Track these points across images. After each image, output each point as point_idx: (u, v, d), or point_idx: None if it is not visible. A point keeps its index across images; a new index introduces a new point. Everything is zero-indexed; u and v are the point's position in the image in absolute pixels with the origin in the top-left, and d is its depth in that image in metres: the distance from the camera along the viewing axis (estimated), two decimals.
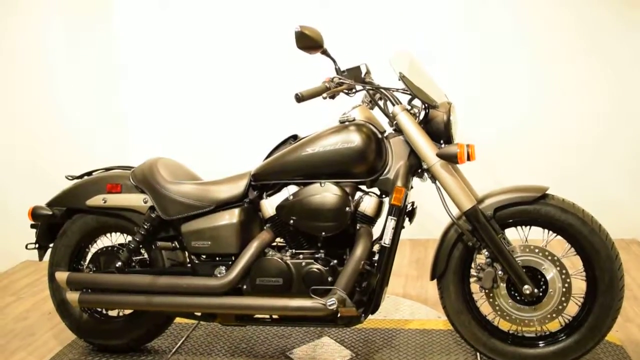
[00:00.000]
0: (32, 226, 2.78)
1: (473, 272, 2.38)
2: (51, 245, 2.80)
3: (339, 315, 2.32)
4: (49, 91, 4.20)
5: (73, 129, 4.29)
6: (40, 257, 2.82)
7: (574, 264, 2.40)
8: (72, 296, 2.64)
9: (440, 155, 2.24)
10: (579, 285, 2.34)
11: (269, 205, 2.43)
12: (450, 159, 2.21)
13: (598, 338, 2.29)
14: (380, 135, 2.35)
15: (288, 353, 2.70)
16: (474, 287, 2.41)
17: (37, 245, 2.78)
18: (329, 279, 2.30)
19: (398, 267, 3.70)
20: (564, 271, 2.27)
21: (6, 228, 4.08)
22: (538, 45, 3.96)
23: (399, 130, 2.34)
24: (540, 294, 2.28)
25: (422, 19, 4.07)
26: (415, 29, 4.07)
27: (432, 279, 2.43)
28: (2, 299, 3.64)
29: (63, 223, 2.76)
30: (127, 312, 2.79)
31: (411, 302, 3.20)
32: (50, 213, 2.71)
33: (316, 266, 2.33)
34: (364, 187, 2.40)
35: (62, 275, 2.66)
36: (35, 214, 2.70)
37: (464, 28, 4.04)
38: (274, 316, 2.47)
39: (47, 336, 3.09)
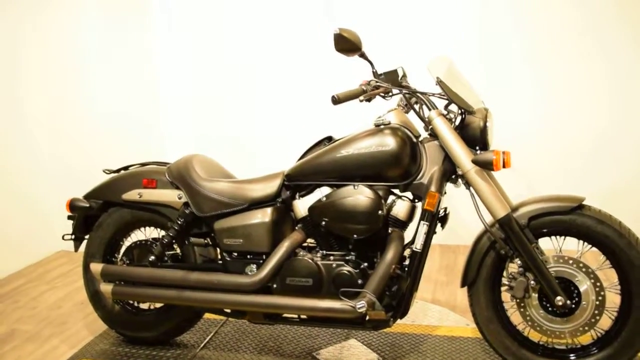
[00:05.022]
0: (70, 217, 2.85)
1: (505, 280, 2.35)
2: (87, 236, 2.86)
3: (367, 318, 2.32)
4: (89, 88, 4.29)
5: (111, 124, 4.38)
6: (76, 248, 2.89)
7: (609, 277, 2.36)
8: (106, 288, 2.69)
9: (475, 162, 2.22)
10: (613, 299, 2.31)
11: (302, 206, 2.44)
12: (486, 166, 2.19)
13: (631, 354, 2.25)
14: (415, 140, 2.35)
15: (315, 353, 2.71)
16: (505, 296, 2.38)
17: (73, 236, 2.85)
18: (359, 281, 2.31)
19: (427, 272, 3.68)
20: (598, 284, 2.23)
21: (44, 218, 4.18)
22: (564, 48, 3.90)
23: (434, 135, 2.33)
24: (573, 305, 2.25)
25: (447, 25, 4.05)
26: (443, 35, 4.05)
27: (462, 285, 2.41)
28: (37, 287, 3.73)
29: (99, 215, 2.82)
30: (158, 305, 2.84)
31: (440, 308, 3.18)
32: (87, 205, 2.77)
33: (346, 268, 2.33)
34: (397, 191, 2.40)
35: (96, 267, 2.72)
36: (72, 205, 2.77)
37: (497, 36, 4.00)
38: (302, 316, 2.48)
39: (79, 325, 3.16)
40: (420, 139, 2.40)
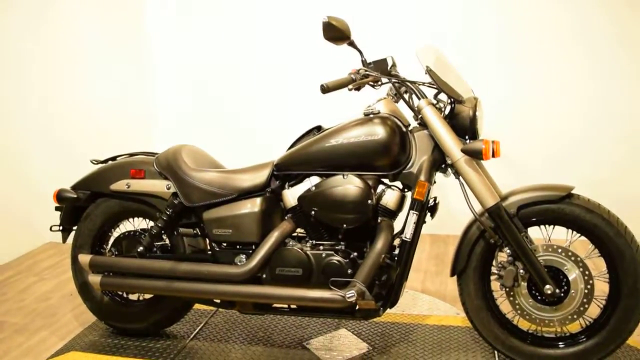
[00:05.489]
0: (57, 208, 2.82)
1: (494, 269, 2.36)
2: (75, 228, 2.84)
3: (357, 307, 2.32)
4: (78, 78, 4.25)
5: (99, 114, 4.34)
6: (64, 239, 2.87)
7: (597, 265, 2.37)
8: (94, 279, 2.67)
9: (465, 151, 2.21)
10: (602, 287, 2.32)
11: (291, 196, 2.43)
12: (475, 155, 2.19)
13: (619, 341, 2.26)
14: (404, 129, 2.34)
15: (305, 343, 2.71)
16: (495, 285, 2.39)
17: (61, 228, 2.82)
18: (349, 271, 2.30)
19: (417, 262, 3.69)
20: (586, 272, 2.24)
21: (31, 209, 4.15)
22: (552, 42, 3.91)
23: (423, 125, 2.33)
24: (562, 294, 2.26)
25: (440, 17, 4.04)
26: (438, 24, 4.04)
27: (452, 275, 2.41)
28: (26, 279, 3.71)
29: (87, 206, 2.79)
30: (147, 296, 2.82)
31: (430, 297, 3.19)
32: (75, 196, 2.75)
33: (336, 258, 2.33)
34: (386, 181, 2.39)
35: (85, 258, 2.70)
36: (60, 196, 2.74)
37: (484, 24, 3.99)
38: (292, 306, 2.48)
39: (68, 317, 3.14)
40: (409, 128, 2.39)
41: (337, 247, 2.37)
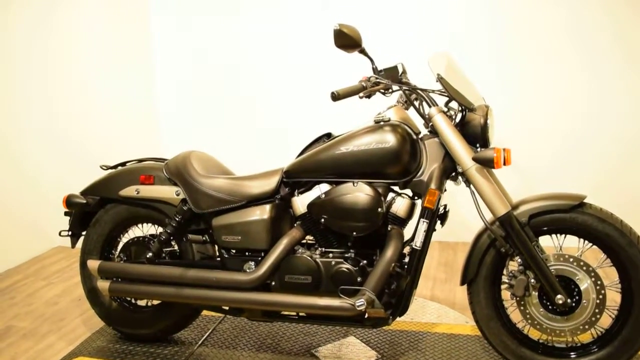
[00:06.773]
0: (66, 214, 2.83)
1: (505, 278, 2.34)
2: (84, 233, 2.84)
3: (366, 316, 2.30)
4: (87, 83, 4.27)
5: (108, 120, 4.35)
6: (73, 244, 2.87)
7: (609, 275, 2.35)
8: (103, 284, 2.67)
9: (476, 159, 2.20)
10: (614, 297, 2.29)
11: (301, 203, 2.42)
12: (487, 164, 2.18)
13: (631, 352, 2.24)
14: (415, 137, 2.33)
15: (313, 351, 2.70)
16: (505, 294, 2.37)
17: (70, 233, 2.83)
18: (358, 279, 2.29)
19: (426, 269, 3.66)
20: (598, 282, 2.22)
21: (40, 214, 4.16)
22: (558, 45, 3.89)
23: (434, 132, 2.32)
24: (573, 304, 2.24)
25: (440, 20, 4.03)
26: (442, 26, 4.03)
27: (462, 283, 2.40)
28: (34, 283, 3.71)
29: (96, 212, 2.80)
30: (156, 302, 2.82)
31: (439, 305, 3.17)
32: (84, 202, 2.75)
33: (346, 266, 2.31)
34: (396, 188, 2.38)
35: (93, 264, 2.70)
36: (69, 202, 2.75)
37: (488, 31, 3.97)
38: (301, 314, 2.46)
39: (76, 322, 3.14)
40: (420, 136, 2.38)
41: (346, 255, 2.36)
